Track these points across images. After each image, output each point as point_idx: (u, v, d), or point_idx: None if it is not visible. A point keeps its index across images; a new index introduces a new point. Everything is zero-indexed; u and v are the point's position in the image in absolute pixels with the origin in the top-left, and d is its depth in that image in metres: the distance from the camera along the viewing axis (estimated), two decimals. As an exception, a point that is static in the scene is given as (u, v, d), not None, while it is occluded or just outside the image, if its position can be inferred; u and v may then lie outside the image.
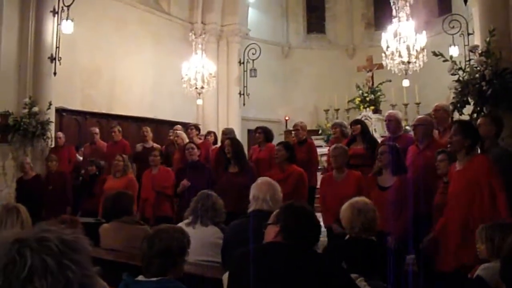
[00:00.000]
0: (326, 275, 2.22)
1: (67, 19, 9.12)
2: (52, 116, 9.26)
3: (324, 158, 8.54)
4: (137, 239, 2.84)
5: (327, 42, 17.11)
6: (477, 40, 7.08)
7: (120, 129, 8.99)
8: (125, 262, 3.56)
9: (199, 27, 13.85)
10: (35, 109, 8.75)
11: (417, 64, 10.31)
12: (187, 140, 8.08)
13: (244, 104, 14.35)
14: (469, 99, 5.61)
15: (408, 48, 10.29)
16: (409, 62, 10.30)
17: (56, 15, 9.23)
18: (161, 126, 11.65)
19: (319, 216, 3.78)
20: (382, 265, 3.04)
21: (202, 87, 12.51)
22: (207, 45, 13.32)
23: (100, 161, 8.12)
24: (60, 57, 9.26)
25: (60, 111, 10.09)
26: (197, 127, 9.08)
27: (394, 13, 10.81)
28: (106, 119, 11.18)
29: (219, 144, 8.98)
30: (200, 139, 8.80)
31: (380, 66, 12.21)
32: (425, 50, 10.08)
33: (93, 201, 7.26)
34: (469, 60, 6.08)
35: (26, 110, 8.71)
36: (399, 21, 10.65)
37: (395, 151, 4.93)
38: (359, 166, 6.33)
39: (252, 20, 15.55)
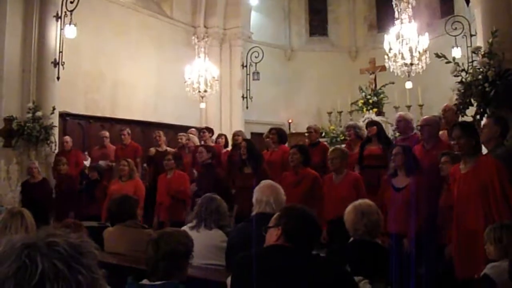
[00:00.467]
0: (329, 278, 2.22)
1: (70, 24, 9.16)
2: (55, 120, 9.29)
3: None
4: (141, 243, 2.85)
5: (330, 45, 17.10)
6: (479, 41, 7.06)
7: (130, 132, 9.04)
8: (129, 266, 3.57)
9: (201, 30, 13.88)
10: (39, 113, 8.77)
11: (419, 66, 10.29)
12: (198, 144, 8.11)
13: (247, 107, 14.35)
14: (472, 100, 5.61)
15: (410, 50, 10.27)
16: (411, 64, 10.28)
17: (59, 20, 9.26)
18: (164, 130, 11.64)
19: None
20: (386, 268, 3.03)
21: (205, 91, 12.52)
22: (210, 49, 13.34)
23: (109, 163, 8.15)
24: (64, 62, 9.28)
25: (63, 116, 10.12)
26: (209, 130, 9.01)
27: (396, 15, 10.80)
28: (109, 123, 11.19)
29: (229, 146, 9.03)
30: (218, 142, 8.80)
31: (383, 68, 12.20)
32: (428, 52, 10.06)
33: (94, 206, 7.26)
34: (472, 61, 6.07)
35: (30, 115, 8.73)
36: (402, 23, 10.64)
37: (408, 152, 4.94)
38: (376, 167, 6.34)
39: (255, 23, 15.55)
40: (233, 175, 6.75)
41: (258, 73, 14.06)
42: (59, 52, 9.29)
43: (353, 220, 3.31)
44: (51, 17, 9.20)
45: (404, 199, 4.67)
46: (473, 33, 10.53)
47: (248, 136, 13.64)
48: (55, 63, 9.22)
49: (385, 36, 10.89)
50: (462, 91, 5.66)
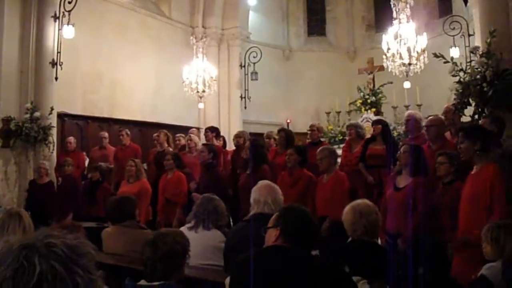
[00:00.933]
0: (328, 278, 2.22)
1: (68, 24, 9.13)
2: (54, 121, 9.26)
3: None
4: (139, 243, 2.85)
5: (328, 45, 17.11)
6: (477, 41, 7.08)
7: (129, 132, 8.99)
8: (128, 267, 3.56)
9: (200, 31, 13.87)
10: (37, 114, 8.75)
11: (418, 66, 10.28)
12: (200, 144, 8.07)
13: (245, 108, 14.36)
14: (470, 100, 5.61)
15: (408, 50, 10.27)
16: (410, 64, 10.27)
17: (57, 20, 9.24)
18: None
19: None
20: (385, 268, 3.03)
21: (204, 91, 12.51)
22: (208, 49, 13.32)
23: (109, 165, 8.09)
24: (62, 62, 9.26)
25: (61, 116, 10.09)
26: (212, 130, 8.93)
27: (394, 15, 10.79)
28: (108, 123, 11.17)
29: (228, 147, 9.01)
30: (219, 141, 8.74)
31: (381, 68, 12.20)
32: (426, 52, 10.06)
33: (94, 208, 7.20)
34: (470, 61, 6.08)
35: (28, 115, 8.71)
36: (400, 23, 10.63)
37: (417, 152, 4.87)
38: (376, 166, 6.35)
39: (253, 24, 15.55)
40: (235, 176, 6.77)
41: (256, 73, 14.07)
42: (57, 52, 9.27)
43: (351, 220, 3.30)
44: (49, 17, 9.18)
45: (401, 199, 4.67)
46: (471, 33, 10.57)
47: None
48: (53, 64, 9.20)
49: (383, 36, 10.88)
50: (460, 91, 5.66)
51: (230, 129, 13.15)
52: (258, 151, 6.28)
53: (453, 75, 5.84)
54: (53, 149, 9.12)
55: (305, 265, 2.25)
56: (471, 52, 5.98)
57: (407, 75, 10.50)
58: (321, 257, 2.45)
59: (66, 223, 3.94)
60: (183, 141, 8.60)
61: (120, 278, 2.60)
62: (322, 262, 2.35)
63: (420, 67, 10.29)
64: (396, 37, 10.52)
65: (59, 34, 9.29)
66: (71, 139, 9.11)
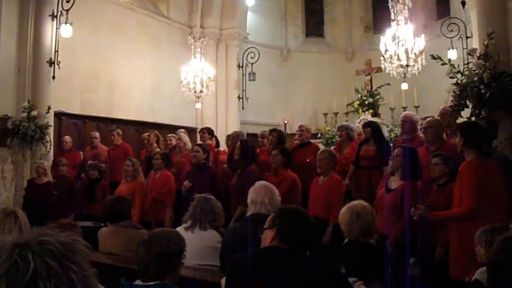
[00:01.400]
0: (324, 279, 2.21)
1: (66, 23, 9.12)
2: (51, 120, 9.24)
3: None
4: (135, 243, 2.84)
5: (326, 46, 17.12)
6: (475, 43, 7.11)
7: (120, 132, 8.93)
8: (124, 266, 3.56)
9: (198, 31, 13.87)
10: (34, 113, 8.73)
11: (415, 68, 10.32)
12: (189, 144, 8.06)
13: (243, 108, 14.37)
14: (467, 102, 5.63)
15: (406, 52, 10.30)
16: (407, 66, 10.31)
17: (55, 19, 9.23)
18: (160, 130, 11.61)
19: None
20: (381, 269, 3.03)
21: (201, 91, 12.53)
22: (206, 49, 13.34)
23: (100, 164, 8.07)
24: (59, 61, 9.25)
25: (59, 115, 10.07)
26: (209, 131, 8.94)
27: (392, 16, 10.83)
28: (105, 123, 11.15)
29: (221, 147, 9.01)
30: (212, 142, 8.75)
31: (379, 69, 12.21)
32: (424, 54, 10.09)
33: (94, 207, 7.16)
34: (468, 63, 6.10)
35: (25, 114, 8.69)
36: (398, 24, 10.66)
37: (411, 155, 4.84)
38: (366, 167, 6.39)
39: (251, 24, 15.56)
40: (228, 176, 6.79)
41: (254, 73, 14.09)
42: (55, 51, 9.25)
43: (348, 221, 3.30)
44: (47, 16, 9.16)
45: (390, 200, 4.68)
46: (469, 35, 10.60)
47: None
48: (51, 63, 9.18)
49: (381, 37, 10.92)
50: (458, 92, 5.68)
51: (227, 130, 13.14)
52: (249, 152, 6.29)
53: (451, 77, 5.85)
54: (50, 148, 9.10)
55: (300, 266, 2.25)
56: (469, 54, 6.00)
57: (404, 77, 10.53)
58: (316, 257, 2.44)
59: (62, 222, 3.92)
60: (174, 142, 8.59)
61: (115, 277, 2.60)
62: (317, 262, 2.34)
63: (418, 68, 10.32)
64: (394, 39, 10.55)
65: (57, 33, 9.28)
66: (67, 138, 9.08)
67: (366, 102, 13.56)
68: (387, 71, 10.76)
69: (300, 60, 16.49)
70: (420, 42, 10.37)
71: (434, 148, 5.21)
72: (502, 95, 5.30)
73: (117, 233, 4.17)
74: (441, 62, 6.02)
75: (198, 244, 3.70)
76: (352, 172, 6.59)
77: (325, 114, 14.77)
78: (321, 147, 12.01)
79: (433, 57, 6.18)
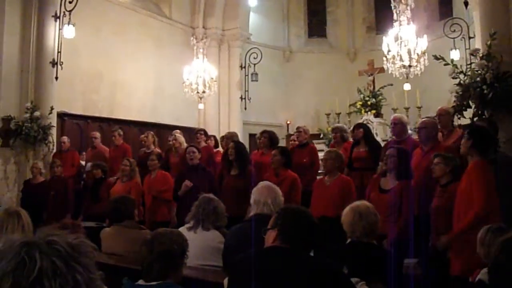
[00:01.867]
0: (326, 279, 2.21)
1: (68, 24, 9.15)
2: (53, 120, 9.27)
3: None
4: (138, 243, 2.85)
5: (328, 46, 17.11)
6: (478, 43, 7.09)
7: (121, 132, 8.95)
8: (126, 267, 3.56)
9: (200, 31, 13.88)
10: (37, 113, 8.76)
11: (418, 68, 10.30)
12: (185, 144, 8.07)
13: (245, 109, 14.36)
14: (470, 102, 5.62)
15: (409, 52, 10.28)
16: (410, 66, 10.29)
17: (58, 20, 9.25)
18: (163, 131, 11.64)
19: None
20: (383, 269, 3.03)
21: (204, 92, 12.53)
22: (208, 50, 13.34)
23: (105, 164, 8.08)
24: (62, 62, 9.27)
25: (61, 116, 10.10)
26: (206, 132, 8.99)
27: (395, 17, 10.81)
28: (107, 123, 11.17)
29: (220, 147, 9.03)
30: (208, 143, 8.77)
31: (381, 70, 12.21)
32: (426, 54, 10.07)
33: (99, 206, 7.14)
34: (470, 63, 6.09)
35: (28, 115, 8.72)
36: (400, 25, 10.65)
37: (404, 156, 4.91)
38: (361, 169, 6.40)
39: (253, 25, 15.55)
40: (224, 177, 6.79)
41: (256, 74, 14.08)
42: (58, 52, 9.28)
43: (351, 221, 3.30)
44: (50, 17, 9.19)
45: (386, 202, 4.67)
46: (471, 35, 10.57)
47: (246, 137, 13.71)
48: (54, 63, 9.21)
49: (384, 37, 10.90)
50: (460, 93, 5.67)
51: (229, 130, 13.14)
52: (243, 152, 6.30)
53: (453, 77, 5.85)
54: (53, 149, 9.12)
55: (302, 266, 2.25)
56: (471, 54, 5.99)
57: (407, 77, 10.52)
58: (319, 257, 2.44)
59: (66, 223, 3.93)
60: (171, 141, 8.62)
61: (118, 277, 2.60)
62: (319, 262, 2.34)
63: (420, 69, 10.31)
64: (396, 39, 10.53)
65: (60, 34, 9.31)
66: (65, 138, 9.08)
67: (369, 103, 13.55)
68: (389, 72, 10.74)
69: (302, 61, 16.49)
70: (423, 43, 10.35)
71: (428, 148, 5.22)
72: (505, 95, 5.30)
73: (120, 233, 4.17)
74: (444, 62, 6.02)
75: (200, 244, 3.70)
76: (346, 174, 6.58)
77: (328, 115, 14.77)
78: (324, 148, 12.07)
79: (436, 58, 6.18)
